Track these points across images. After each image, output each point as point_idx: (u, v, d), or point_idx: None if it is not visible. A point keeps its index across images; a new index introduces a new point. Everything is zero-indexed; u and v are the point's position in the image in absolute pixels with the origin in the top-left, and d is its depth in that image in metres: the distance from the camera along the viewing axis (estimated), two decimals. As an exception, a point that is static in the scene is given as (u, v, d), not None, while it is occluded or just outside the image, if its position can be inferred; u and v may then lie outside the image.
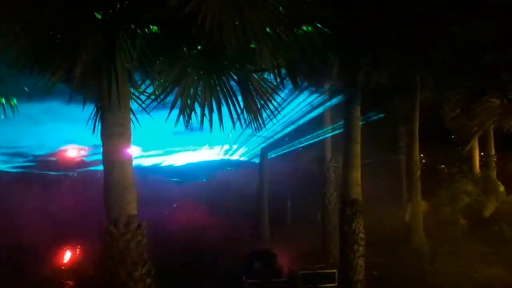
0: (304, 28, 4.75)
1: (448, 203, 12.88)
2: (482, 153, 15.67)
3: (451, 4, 6.25)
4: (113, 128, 4.45)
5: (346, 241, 6.94)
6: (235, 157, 19.75)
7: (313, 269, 7.77)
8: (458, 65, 7.48)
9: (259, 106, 5.47)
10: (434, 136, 16.73)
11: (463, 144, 14.64)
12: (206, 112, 4.83)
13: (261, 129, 5.61)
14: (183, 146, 18.13)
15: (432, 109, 12.10)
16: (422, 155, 15.92)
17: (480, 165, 15.25)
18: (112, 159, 4.48)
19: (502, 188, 13.06)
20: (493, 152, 15.14)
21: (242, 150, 18.39)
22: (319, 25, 4.90)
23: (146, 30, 4.24)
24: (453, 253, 10.64)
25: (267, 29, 4.30)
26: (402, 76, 10.58)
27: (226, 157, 20.10)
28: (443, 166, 20.93)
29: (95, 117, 5.30)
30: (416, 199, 11.93)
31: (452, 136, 17.19)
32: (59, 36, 3.96)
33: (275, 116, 5.94)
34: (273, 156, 15.04)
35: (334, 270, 7.61)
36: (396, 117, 16.46)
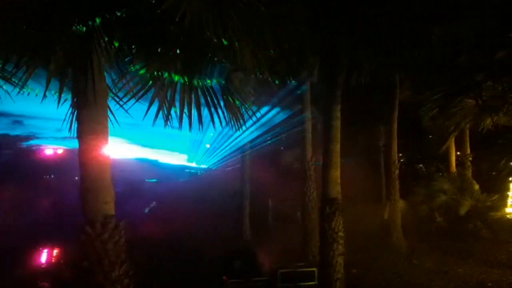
0: (285, 28, 4.75)
1: (426, 201, 13.15)
2: (458, 153, 16.07)
3: (431, 5, 6.37)
4: (90, 127, 4.36)
5: (325, 240, 6.98)
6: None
7: (293, 268, 7.79)
8: (436, 66, 7.64)
9: (239, 105, 5.47)
10: (413, 135, 17.08)
11: (440, 144, 14.97)
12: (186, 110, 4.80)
13: (241, 128, 5.60)
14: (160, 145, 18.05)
15: (411, 109, 12.31)
16: (401, 154, 16.24)
17: (456, 164, 15.63)
18: (89, 158, 4.39)
19: (477, 187, 13.38)
20: (468, 151, 15.55)
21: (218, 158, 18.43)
22: (299, 25, 4.92)
23: (124, 26, 4.16)
24: (430, 250, 10.89)
25: (248, 28, 4.28)
26: (381, 77, 10.73)
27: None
28: (421, 165, 21.39)
29: (71, 115, 5.20)
30: (395, 197, 12.15)
31: (430, 136, 17.56)
32: (33, 31, 3.84)
33: (256, 116, 5.96)
34: (254, 155, 15.03)
35: (314, 269, 7.64)
36: (376, 116, 16.74)
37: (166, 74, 4.62)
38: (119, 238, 4.41)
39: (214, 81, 5.07)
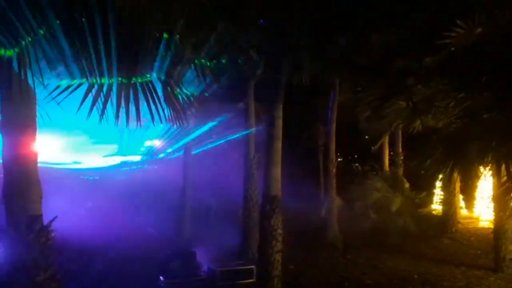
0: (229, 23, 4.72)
1: (360, 199, 13.72)
2: (392, 152, 17.07)
3: (367, 11, 6.67)
4: (15, 120, 4.02)
5: (265, 237, 7.07)
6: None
7: (232, 266, 7.80)
8: (373, 70, 8.01)
9: (180, 100, 5.33)
10: (351, 136, 17.86)
11: (375, 144, 15.78)
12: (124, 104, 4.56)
13: (183, 124, 5.47)
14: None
15: (350, 111, 12.83)
16: (339, 153, 16.93)
17: (389, 163, 16.58)
18: (13, 153, 4.06)
19: (407, 185, 14.21)
20: (400, 151, 16.56)
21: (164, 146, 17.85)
22: (243, 22, 4.92)
23: (54, 13, 3.86)
24: (363, 246, 11.43)
25: (190, 23, 4.19)
26: (322, 79, 11.07)
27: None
28: (357, 164, 22.42)
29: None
30: (332, 195, 12.63)
31: (366, 137, 18.47)
32: None
33: (197, 112, 5.87)
34: (198, 152, 14.80)
35: (252, 266, 7.71)
36: (317, 117, 17.26)
37: (102, 65, 4.35)
38: (46, 240, 4.12)
39: (154, 75, 4.89)
